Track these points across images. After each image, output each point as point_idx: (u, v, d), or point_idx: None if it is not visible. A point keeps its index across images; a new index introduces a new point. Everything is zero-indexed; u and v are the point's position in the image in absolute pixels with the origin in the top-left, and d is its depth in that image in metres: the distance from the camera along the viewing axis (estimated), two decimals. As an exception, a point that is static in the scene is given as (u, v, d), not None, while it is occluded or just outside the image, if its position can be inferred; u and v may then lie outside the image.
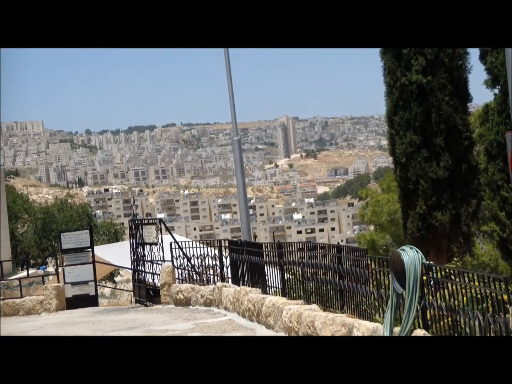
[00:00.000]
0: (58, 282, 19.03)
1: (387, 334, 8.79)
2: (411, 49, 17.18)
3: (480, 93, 18.96)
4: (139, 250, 18.86)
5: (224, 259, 16.46)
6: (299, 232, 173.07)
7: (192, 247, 17.88)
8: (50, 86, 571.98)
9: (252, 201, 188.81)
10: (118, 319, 15.71)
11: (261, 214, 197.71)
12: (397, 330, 8.64)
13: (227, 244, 16.89)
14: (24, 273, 24.62)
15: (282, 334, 11.76)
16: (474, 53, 17.77)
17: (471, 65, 17.81)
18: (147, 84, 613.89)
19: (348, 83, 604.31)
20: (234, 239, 18.58)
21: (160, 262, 17.89)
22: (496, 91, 16.44)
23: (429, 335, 8.14)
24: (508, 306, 6.94)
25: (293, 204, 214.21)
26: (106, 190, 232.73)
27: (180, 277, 17.56)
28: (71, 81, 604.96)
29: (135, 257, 19.04)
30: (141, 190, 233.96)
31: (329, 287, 11.44)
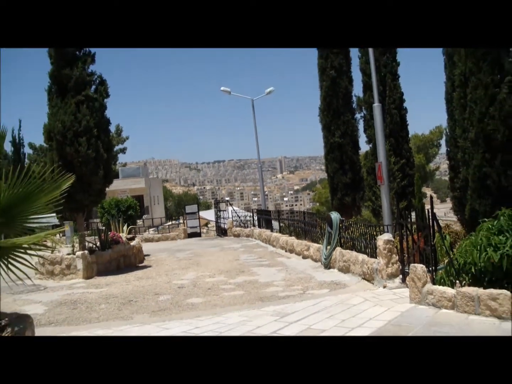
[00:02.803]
0: (184, 226, 19.14)
1: (324, 250, 8.77)
2: (334, 126, 16.91)
3: (364, 147, 18.72)
4: (218, 213, 18.92)
5: (254, 217, 16.49)
6: (287, 205, 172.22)
7: (241, 212, 17.94)
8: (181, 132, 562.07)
9: (266, 192, 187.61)
10: (210, 242, 15.76)
11: (270, 198, 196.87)
12: (329, 247, 8.64)
13: (256, 211, 16.92)
14: (170, 222, 24.80)
15: (279, 249, 11.75)
16: (361, 128, 17.53)
17: (361, 134, 17.70)
18: (221, 135, 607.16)
19: (309, 138, 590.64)
20: (258, 208, 18.57)
21: (227, 218, 17.96)
22: (370, 145, 16.27)
23: (343, 250, 8.11)
24: (376, 237, 6.92)
25: (283, 193, 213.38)
26: (204, 187, 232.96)
27: (235, 225, 17.59)
28: (190, 128, 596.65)
29: (216, 216, 19.11)
30: (219, 188, 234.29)
31: (299, 229, 11.44)
